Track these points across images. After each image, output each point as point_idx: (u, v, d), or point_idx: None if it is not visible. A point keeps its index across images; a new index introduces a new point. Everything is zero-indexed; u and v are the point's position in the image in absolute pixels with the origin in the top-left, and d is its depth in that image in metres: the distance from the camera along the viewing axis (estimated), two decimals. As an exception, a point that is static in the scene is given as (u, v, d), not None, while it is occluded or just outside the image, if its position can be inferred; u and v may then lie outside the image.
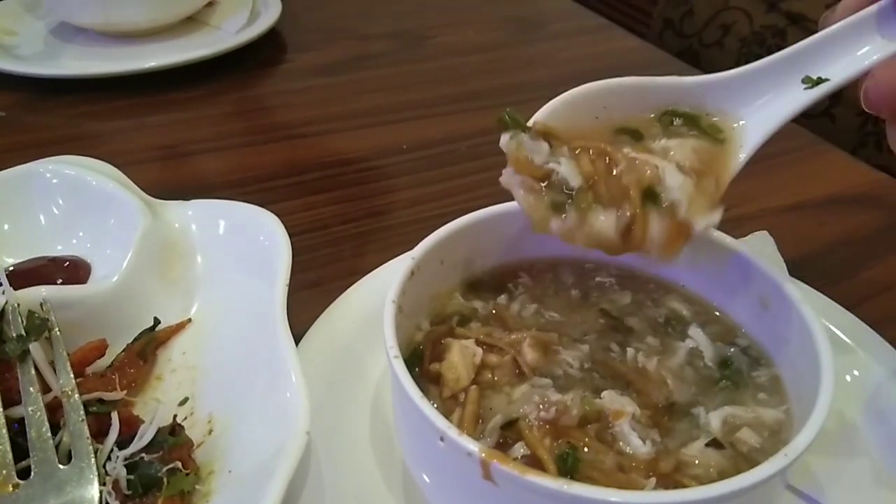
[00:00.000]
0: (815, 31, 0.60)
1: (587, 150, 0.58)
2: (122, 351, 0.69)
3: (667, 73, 0.64)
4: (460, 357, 0.58)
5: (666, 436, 0.55)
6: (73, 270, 0.76)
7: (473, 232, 0.65)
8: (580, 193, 0.57)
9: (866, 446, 0.64)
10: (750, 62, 0.61)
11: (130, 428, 0.60)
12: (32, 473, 0.56)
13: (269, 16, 1.39)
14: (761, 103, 0.61)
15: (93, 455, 0.57)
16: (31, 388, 0.60)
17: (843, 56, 0.58)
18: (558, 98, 0.61)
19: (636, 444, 0.53)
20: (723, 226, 0.64)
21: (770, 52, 0.61)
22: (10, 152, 1.01)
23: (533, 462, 0.51)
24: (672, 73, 0.65)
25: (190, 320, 0.74)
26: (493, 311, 0.65)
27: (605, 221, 0.56)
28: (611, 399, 0.56)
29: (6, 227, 0.81)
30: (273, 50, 1.39)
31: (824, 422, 0.49)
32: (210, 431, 0.63)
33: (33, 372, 0.61)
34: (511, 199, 0.61)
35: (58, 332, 0.64)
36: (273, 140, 1.14)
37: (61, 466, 0.57)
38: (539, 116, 0.60)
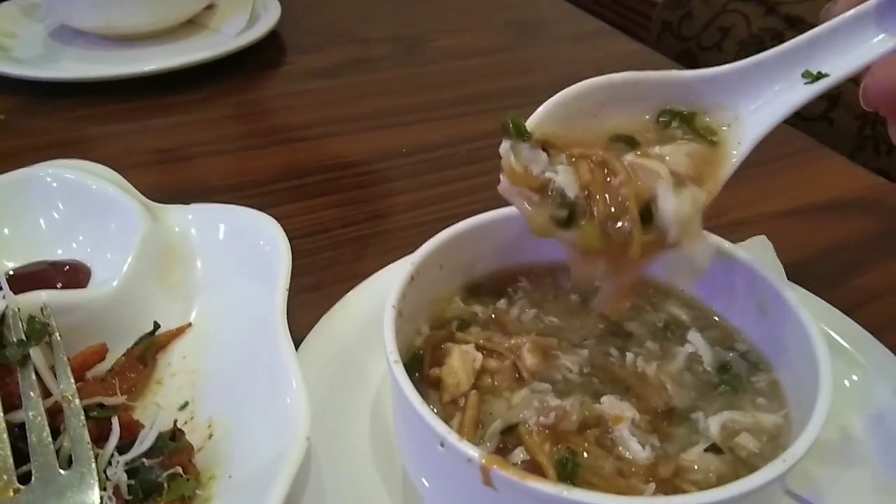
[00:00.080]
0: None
1: (586, 158, 0.57)
2: (123, 355, 0.69)
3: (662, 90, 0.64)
4: (460, 362, 0.58)
5: (665, 441, 0.55)
6: (73, 274, 0.77)
7: (473, 237, 0.66)
8: (579, 213, 0.56)
9: (865, 451, 0.64)
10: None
11: (131, 433, 0.60)
12: (33, 478, 0.56)
13: (269, 19, 1.39)
14: (760, 98, 0.60)
15: (93, 460, 0.57)
16: (31, 393, 0.60)
17: (843, 50, 0.57)
18: (557, 96, 0.60)
19: (636, 450, 0.53)
20: (721, 230, 0.65)
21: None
22: (9, 156, 1.01)
23: (533, 467, 0.51)
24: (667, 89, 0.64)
25: (190, 324, 0.74)
26: (493, 316, 0.65)
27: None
28: (610, 404, 0.56)
29: (6, 230, 0.81)
30: (273, 53, 1.39)
31: (823, 427, 0.49)
32: (210, 436, 0.63)
33: (34, 377, 0.61)
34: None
35: (58, 337, 0.64)
36: (273, 143, 1.14)
37: (62, 471, 0.57)
38: (538, 117, 0.59)
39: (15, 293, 0.66)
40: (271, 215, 0.77)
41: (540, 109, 0.60)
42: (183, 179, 1.06)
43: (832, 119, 1.60)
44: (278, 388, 0.60)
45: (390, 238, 0.94)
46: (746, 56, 0.60)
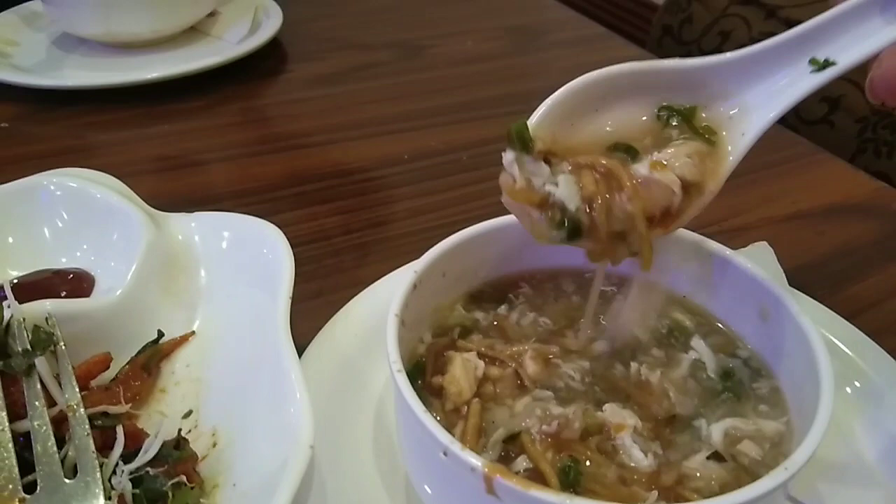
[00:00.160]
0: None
1: (591, 168, 0.57)
2: (127, 364, 0.69)
3: (666, 80, 0.63)
4: (462, 370, 0.58)
5: (667, 448, 0.55)
6: (77, 283, 0.77)
7: (475, 244, 0.66)
8: (582, 227, 0.57)
9: (867, 457, 0.64)
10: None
11: (135, 442, 0.60)
12: (38, 488, 0.56)
13: (271, 26, 1.39)
14: (766, 85, 0.59)
15: (98, 469, 0.57)
16: (36, 403, 0.60)
17: (851, 37, 0.55)
18: (557, 93, 0.60)
19: (638, 457, 0.53)
20: (722, 236, 0.65)
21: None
22: (12, 164, 1.02)
23: (535, 476, 0.51)
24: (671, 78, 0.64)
25: (193, 333, 0.74)
26: (495, 322, 0.66)
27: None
28: (612, 412, 0.56)
29: (10, 239, 0.81)
30: (274, 60, 1.39)
31: (824, 434, 0.49)
32: (214, 444, 0.63)
33: (39, 386, 0.61)
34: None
35: (63, 347, 0.65)
36: (275, 150, 1.14)
37: (67, 480, 0.57)
38: (540, 115, 0.59)
39: (19, 301, 0.66)
40: (273, 222, 0.77)
41: (541, 108, 0.59)
42: (185, 186, 1.06)
43: (833, 122, 1.61)
44: (282, 397, 0.60)
45: (392, 245, 0.94)
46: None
